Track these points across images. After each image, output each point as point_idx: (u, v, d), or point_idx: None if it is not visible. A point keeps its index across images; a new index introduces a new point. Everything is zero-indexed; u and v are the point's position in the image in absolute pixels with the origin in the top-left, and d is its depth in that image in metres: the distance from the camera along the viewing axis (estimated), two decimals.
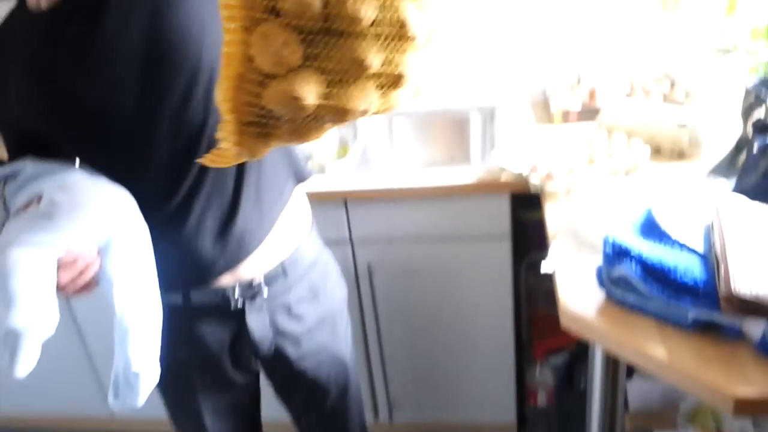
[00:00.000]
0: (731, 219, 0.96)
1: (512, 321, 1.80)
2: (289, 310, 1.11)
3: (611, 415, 1.09)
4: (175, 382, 1.14)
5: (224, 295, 1.05)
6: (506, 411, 1.95)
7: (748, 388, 0.80)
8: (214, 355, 1.10)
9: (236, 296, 1.05)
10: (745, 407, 0.79)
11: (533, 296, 1.95)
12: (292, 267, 1.10)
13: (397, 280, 1.75)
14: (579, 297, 1.01)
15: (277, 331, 1.11)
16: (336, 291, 1.22)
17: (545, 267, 1.11)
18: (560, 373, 2.03)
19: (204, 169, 0.96)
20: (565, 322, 1.00)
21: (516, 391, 1.92)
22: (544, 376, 1.93)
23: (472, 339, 1.85)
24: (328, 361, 1.21)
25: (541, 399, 1.93)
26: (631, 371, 1.95)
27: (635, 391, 1.85)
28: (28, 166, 0.90)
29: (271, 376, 1.24)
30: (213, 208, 0.99)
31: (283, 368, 1.17)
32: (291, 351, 1.14)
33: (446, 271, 1.74)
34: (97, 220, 0.83)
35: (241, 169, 1.00)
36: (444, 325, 1.84)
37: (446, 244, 1.68)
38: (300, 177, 1.12)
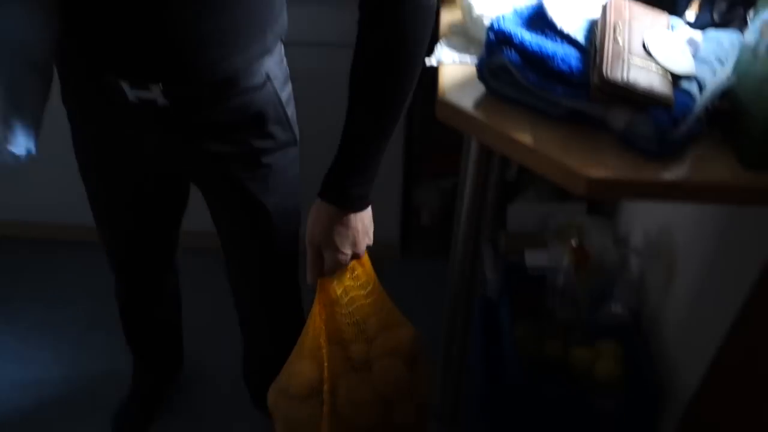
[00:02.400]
0: (617, 16, 0.93)
1: (403, 135, 1.78)
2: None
3: (479, 212, 1.12)
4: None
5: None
6: (391, 229, 2.00)
7: (601, 171, 0.81)
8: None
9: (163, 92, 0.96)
10: (596, 188, 0.81)
11: (426, 119, 1.93)
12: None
13: None
14: (459, 90, 0.99)
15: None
16: None
17: (430, 60, 1.07)
18: (447, 195, 2.08)
19: None
20: (441, 112, 0.98)
21: (402, 210, 1.96)
22: (430, 195, 1.97)
23: None
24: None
25: (425, 218, 1.99)
26: (512, 196, 2.04)
27: (514, 214, 1.93)
28: None
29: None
30: None
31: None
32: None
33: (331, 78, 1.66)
34: None
35: None
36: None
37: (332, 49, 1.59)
38: None
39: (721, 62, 0.91)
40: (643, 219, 1.71)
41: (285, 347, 1.39)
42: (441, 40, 1.14)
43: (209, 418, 1.58)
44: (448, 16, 1.22)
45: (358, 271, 1.09)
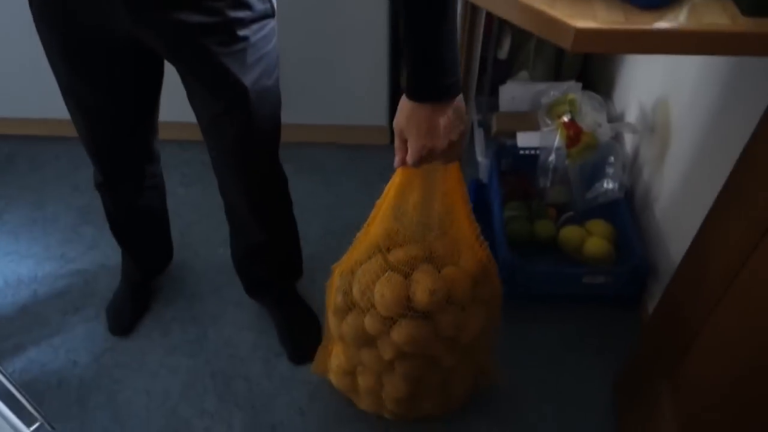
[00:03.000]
0: None
1: (387, 16, 1.69)
2: None
3: (467, 67, 1.06)
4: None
5: None
6: (380, 114, 1.94)
7: (590, 21, 0.76)
8: None
9: None
10: (585, 39, 0.75)
11: None
12: None
13: None
14: None
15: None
16: None
17: None
18: None
19: None
20: None
21: (390, 94, 1.90)
22: None
23: (343, 32, 1.74)
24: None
25: None
26: (504, 78, 1.96)
27: (506, 94, 1.87)
28: None
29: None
30: None
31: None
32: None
33: None
34: None
35: None
36: (312, 15, 1.71)
37: None
38: None
39: None
40: (638, 94, 1.65)
41: (271, 233, 1.38)
42: None
43: (203, 306, 1.60)
44: None
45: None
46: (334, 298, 1.15)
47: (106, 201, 1.41)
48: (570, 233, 1.55)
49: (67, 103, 1.18)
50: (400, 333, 1.05)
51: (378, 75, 1.84)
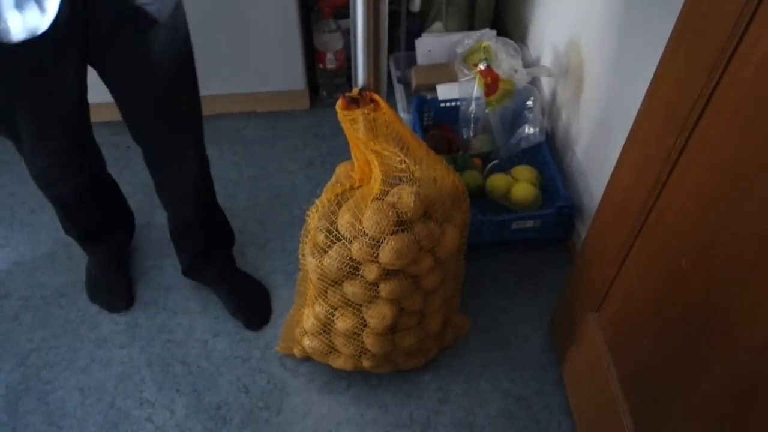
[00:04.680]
0: None
1: None
2: None
3: (375, 36, 1.03)
4: None
5: None
6: (296, 78, 1.88)
7: None
8: None
9: None
10: None
11: None
12: None
13: None
14: None
15: None
16: None
17: None
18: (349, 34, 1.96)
19: None
20: None
21: (304, 58, 1.84)
22: (333, 36, 1.85)
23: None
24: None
25: (331, 60, 1.88)
26: (418, 31, 1.93)
27: (422, 46, 1.84)
28: None
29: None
30: None
31: None
32: None
33: None
34: None
35: None
36: None
37: None
38: None
39: None
40: (551, 37, 1.66)
41: (202, 201, 1.36)
42: None
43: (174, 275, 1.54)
44: None
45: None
46: (312, 238, 1.16)
47: (51, 190, 1.32)
48: (496, 181, 1.56)
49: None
50: (387, 249, 1.08)
51: (290, 39, 1.78)
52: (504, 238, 1.54)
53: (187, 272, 1.51)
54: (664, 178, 0.86)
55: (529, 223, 1.50)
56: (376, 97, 1.09)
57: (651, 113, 0.90)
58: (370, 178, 1.15)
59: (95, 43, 1.03)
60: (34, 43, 0.87)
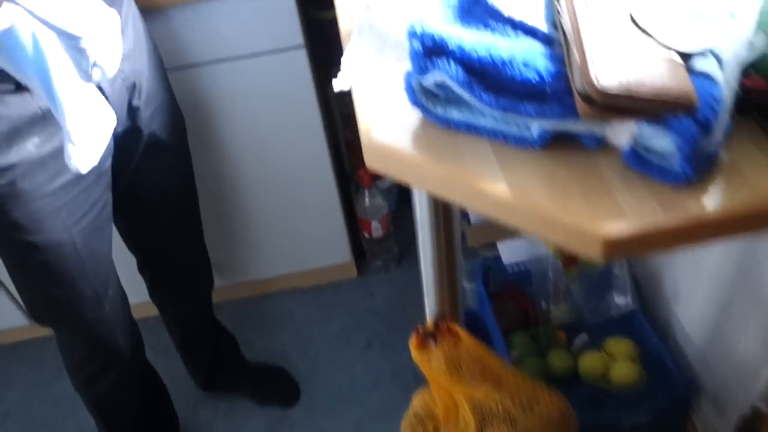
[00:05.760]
0: None
1: (327, 148, 1.50)
2: None
3: (448, 258, 0.86)
4: None
5: None
6: (341, 250, 1.73)
7: (619, 222, 0.56)
8: None
9: None
10: (618, 249, 0.55)
11: (349, 118, 1.64)
12: None
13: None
14: (385, 122, 0.70)
15: None
16: None
17: (338, 83, 0.78)
18: (393, 196, 1.82)
19: None
20: (370, 159, 0.70)
21: (348, 227, 1.69)
22: (375, 204, 1.70)
23: (286, 178, 1.54)
24: None
25: (376, 229, 1.72)
26: None
27: None
28: None
29: None
30: None
31: None
32: None
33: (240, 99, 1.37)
34: None
35: None
36: (250, 165, 1.51)
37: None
38: None
39: (733, 16, 0.66)
40: None
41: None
42: (346, 48, 0.84)
43: None
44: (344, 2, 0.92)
45: None
46: None
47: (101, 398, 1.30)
48: (591, 362, 1.33)
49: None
50: None
51: (329, 208, 1.63)
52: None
53: (207, 386, 1.52)
54: None
55: (640, 415, 1.25)
56: (456, 327, 0.90)
57: None
58: (457, 416, 0.95)
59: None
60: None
